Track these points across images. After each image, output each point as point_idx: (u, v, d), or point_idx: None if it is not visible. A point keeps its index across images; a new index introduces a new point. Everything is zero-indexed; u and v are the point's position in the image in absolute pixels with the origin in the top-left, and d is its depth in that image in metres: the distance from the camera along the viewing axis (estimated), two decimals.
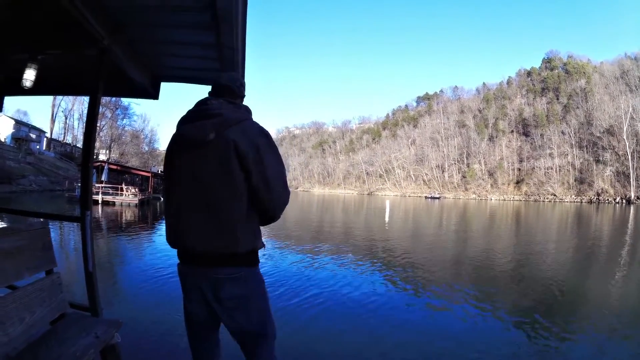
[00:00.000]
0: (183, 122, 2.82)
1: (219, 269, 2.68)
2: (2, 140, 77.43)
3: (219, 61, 4.89)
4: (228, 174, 2.60)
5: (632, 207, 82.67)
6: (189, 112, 2.86)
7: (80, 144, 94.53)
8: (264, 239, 2.91)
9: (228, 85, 2.99)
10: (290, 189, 2.96)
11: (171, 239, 2.83)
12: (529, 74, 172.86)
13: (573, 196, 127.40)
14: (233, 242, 2.64)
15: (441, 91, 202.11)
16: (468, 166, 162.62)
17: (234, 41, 4.11)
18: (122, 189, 47.48)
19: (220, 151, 2.60)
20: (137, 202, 44.27)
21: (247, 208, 2.69)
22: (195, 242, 2.67)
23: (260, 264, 2.91)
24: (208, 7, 3.59)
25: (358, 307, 8.96)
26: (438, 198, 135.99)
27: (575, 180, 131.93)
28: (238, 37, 4.07)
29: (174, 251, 2.85)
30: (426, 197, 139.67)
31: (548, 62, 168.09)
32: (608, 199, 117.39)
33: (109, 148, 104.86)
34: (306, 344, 6.56)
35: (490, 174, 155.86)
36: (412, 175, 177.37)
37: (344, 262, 14.00)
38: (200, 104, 2.86)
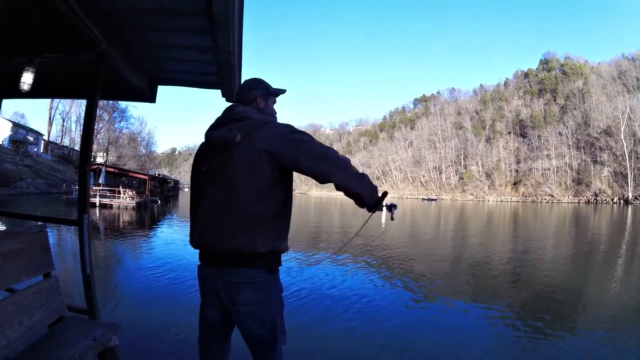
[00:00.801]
0: (212, 129, 2.89)
1: (237, 271, 2.67)
2: (0, 142, 77.42)
3: (216, 65, 4.90)
4: (256, 175, 2.63)
5: (630, 208, 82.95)
6: (217, 119, 2.93)
7: (77, 147, 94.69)
8: None
9: (239, 99, 3.06)
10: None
11: (194, 240, 2.84)
12: (526, 75, 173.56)
13: (570, 197, 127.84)
14: (252, 240, 2.63)
15: (438, 93, 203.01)
16: (465, 168, 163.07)
17: (230, 45, 4.12)
18: (119, 192, 47.46)
19: (247, 153, 2.64)
20: (134, 204, 44.30)
21: (275, 209, 2.72)
22: (216, 241, 2.68)
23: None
24: (205, 12, 3.60)
25: (339, 305, 9.06)
26: (435, 200, 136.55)
27: (572, 181, 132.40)
28: (234, 41, 4.08)
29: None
30: (423, 199, 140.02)
31: (545, 63, 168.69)
32: (606, 200, 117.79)
33: (107, 151, 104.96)
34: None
35: (488, 176, 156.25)
36: (410, 177, 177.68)
37: (335, 262, 14.04)
38: (227, 110, 2.93)
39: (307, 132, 2.80)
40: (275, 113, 3.18)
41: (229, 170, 2.67)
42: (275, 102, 3.21)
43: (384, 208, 3.13)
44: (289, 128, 2.75)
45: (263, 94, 3.07)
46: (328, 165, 2.66)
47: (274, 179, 2.67)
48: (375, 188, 2.87)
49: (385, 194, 3.00)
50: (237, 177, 2.64)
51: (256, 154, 2.62)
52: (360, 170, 2.85)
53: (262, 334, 2.76)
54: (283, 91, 3.22)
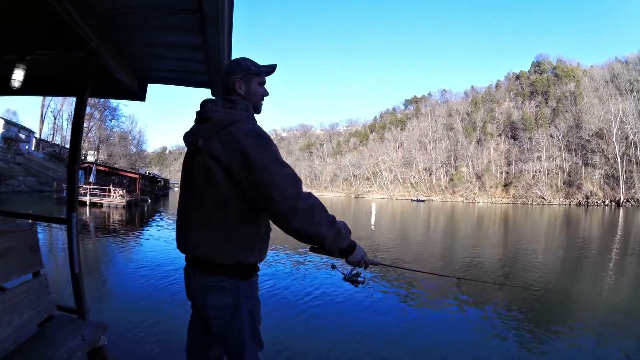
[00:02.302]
0: (189, 128, 2.79)
1: (207, 276, 2.60)
2: None
3: (206, 63, 4.91)
4: (212, 184, 2.51)
5: (621, 210, 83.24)
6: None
7: (69, 145, 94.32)
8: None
9: (222, 86, 2.89)
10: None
11: (176, 241, 2.80)
12: (517, 77, 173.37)
13: (561, 199, 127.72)
14: (215, 252, 2.55)
15: (429, 94, 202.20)
16: (456, 169, 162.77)
17: (220, 43, 4.12)
18: (109, 191, 47.44)
19: (206, 159, 2.53)
20: (124, 203, 44.25)
21: (237, 219, 2.54)
22: (188, 246, 2.66)
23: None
24: (195, 10, 3.62)
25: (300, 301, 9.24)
26: (423, 201, 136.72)
27: (563, 183, 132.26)
28: (224, 39, 4.09)
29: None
30: (412, 200, 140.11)
31: (537, 65, 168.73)
32: (597, 202, 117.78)
33: (97, 149, 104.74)
34: None
35: (478, 177, 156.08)
36: (400, 178, 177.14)
37: (319, 262, 13.92)
38: (200, 106, 2.78)
39: (270, 147, 2.49)
40: (264, 95, 2.94)
41: (194, 175, 2.65)
42: (263, 82, 2.93)
43: (351, 271, 2.88)
44: (247, 139, 2.46)
45: (243, 76, 2.82)
46: (274, 207, 2.39)
47: (233, 187, 2.49)
48: (335, 240, 2.53)
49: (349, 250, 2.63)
50: (198, 184, 2.60)
51: (212, 161, 2.51)
52: (323, 216, 2.48)
53: (229, 339, 2.71)
54: (270, 67, 2.94)
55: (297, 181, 2.47)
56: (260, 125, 2.67)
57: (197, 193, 2.60)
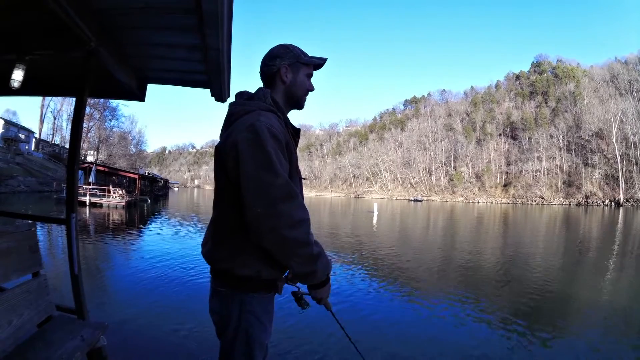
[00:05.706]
0: None
1: (212, 278, 2.40)
2: None
3: (205, 64, 4.89)
4: (217, 181, 2.33)
5: (621, 210, 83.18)
6: None
7: (68, 145, 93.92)
8: None
9: (261, 71, 2.61)
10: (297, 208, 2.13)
11: None
12: (517, 77, 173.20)
13: (561, 199, 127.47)
14: (212, 255, 2.36)
15: (429, 94, 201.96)
16: (455, 169, 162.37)
17: (219, 43, 4.10)
18: (109, 191, 47.34)
19: (215, 156, 2.37)
20: (124, 203, 44.04)
21: (228, 222, 2.29)
22: (203, 242, 2.48)
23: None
24: (194, 10, 3.60)
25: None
26: (421, 201, 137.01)
27: (563, 183, 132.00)
28: (223, 39, 4.06)
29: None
30: (409, 200, 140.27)
31: (537, 66, 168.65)
32: (597, 202, 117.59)
33: (97, 149, 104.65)
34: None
35: (478, 177, 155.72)
36: (399, 178, 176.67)
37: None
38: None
39: (265, 146, 2.09)
40: (310, 89, 2.64)
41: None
42: (311, 74, 2.65)
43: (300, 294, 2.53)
44: (243, 133, 2.16)
45: (292, 63, 2.54)
46: (248, 219, 2.09)
47: (228, 186, 2.25)
48: (305, 278, 2.29)
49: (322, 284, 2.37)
50: (215, 181, 2.41)
51: (217, 157, 2.34)
52: (312, 250, 2.17)
53: (225, 349, 2.36)
54: (322, 60, 2.68)
55: (286, 197, 2.08)
56: (275, 120, 2.28)
57: (215, 193, 2.41)
